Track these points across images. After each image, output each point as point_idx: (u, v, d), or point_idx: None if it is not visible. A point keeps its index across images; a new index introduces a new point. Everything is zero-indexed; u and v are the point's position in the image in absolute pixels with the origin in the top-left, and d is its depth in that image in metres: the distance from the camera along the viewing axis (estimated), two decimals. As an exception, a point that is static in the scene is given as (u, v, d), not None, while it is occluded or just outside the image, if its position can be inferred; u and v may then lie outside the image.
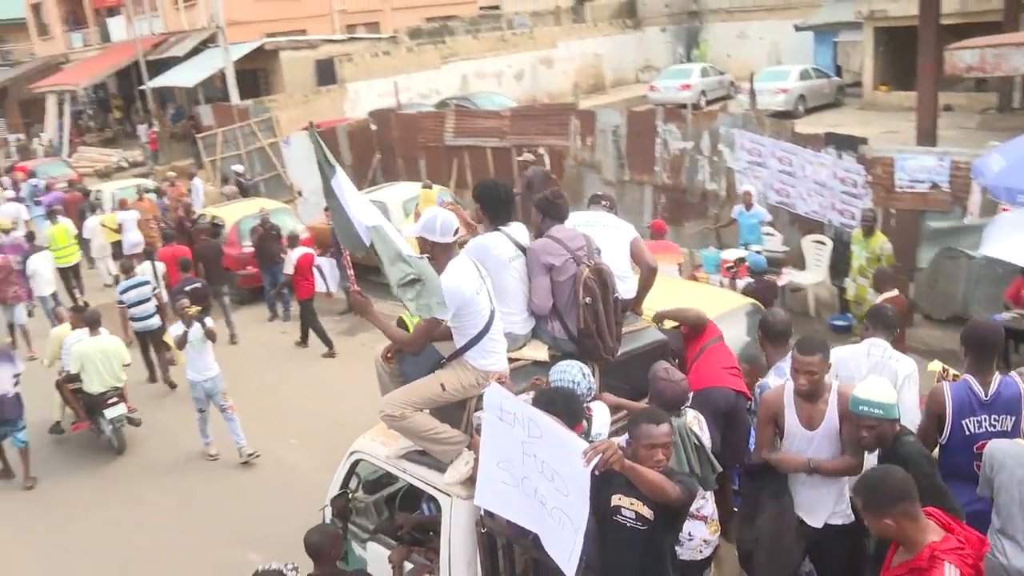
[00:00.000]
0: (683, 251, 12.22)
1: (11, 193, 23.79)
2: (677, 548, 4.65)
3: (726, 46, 35.76)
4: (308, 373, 12.59)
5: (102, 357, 10.37)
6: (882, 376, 5.05)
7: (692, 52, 37.08)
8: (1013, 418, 4.73)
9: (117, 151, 34.73)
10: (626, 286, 5.82)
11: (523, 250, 5.42)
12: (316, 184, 6.51)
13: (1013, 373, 4.91)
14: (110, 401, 10.41)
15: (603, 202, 6.88)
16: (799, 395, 4.91)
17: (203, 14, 31.76)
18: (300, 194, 21.12)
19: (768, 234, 12.87)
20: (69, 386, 10.61)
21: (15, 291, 14.12)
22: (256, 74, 32.44)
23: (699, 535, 4.90)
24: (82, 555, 8.42)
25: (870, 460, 4.79)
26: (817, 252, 12.48)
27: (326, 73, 30.48)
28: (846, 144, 12.66)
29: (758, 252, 11.68)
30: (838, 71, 30.40)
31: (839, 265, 11.94)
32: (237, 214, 16.77)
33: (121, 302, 12.50)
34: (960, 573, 3.57)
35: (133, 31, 33.41)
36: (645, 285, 6.04)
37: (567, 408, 4.39)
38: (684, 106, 19.86)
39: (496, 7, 42.34)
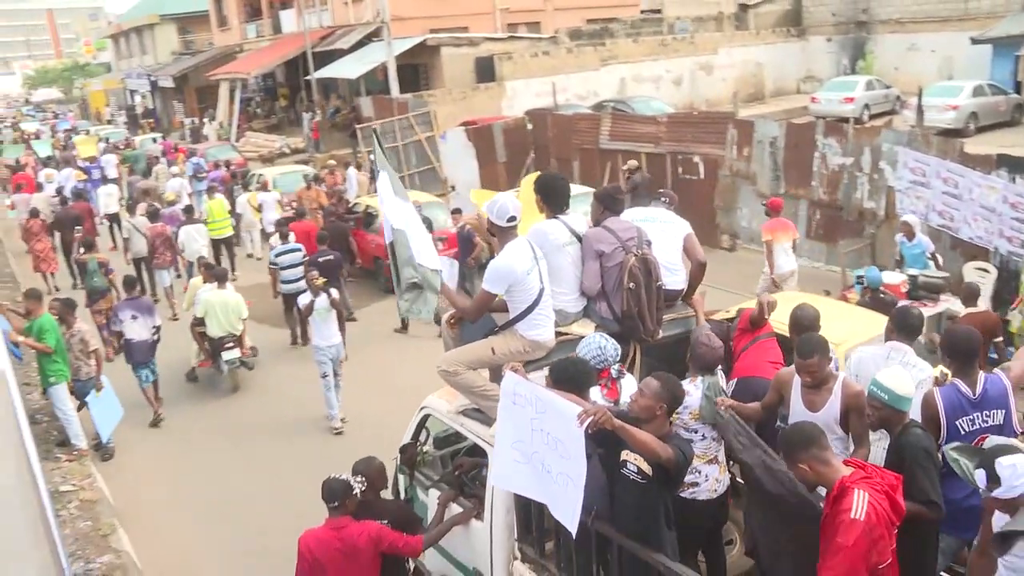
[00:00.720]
0: (838, 269, 11.97)
1: (176, 169, 25.95)
2: (695, 490, 5.25)
3: (894, 58, 34.46)
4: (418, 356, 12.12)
5: (223, 307, 12.15)
6: None
7: (857, 64, 35.86)
8: (1003, 411, 5.02)
9: (281, 138, 36.25)
10: (675, 278, 6.37)
11: (579, 237, 6.01)
12: (470, 179, 6.95)
13: (997, 370, 5.27)
14: (227, 345, 12.22)
15: (663, 199, 7.21)
16: (804, 386, 5.24)
17: (369, 9, 32.74)
18: (453, 188, 21.61)
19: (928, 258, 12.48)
20: (197, 328, 12.36)
21: (169, 257, 16.15)
22: (417, 69, 33.23)
23: (712, 475, 5.34)
24: (197, 479, 9.83)
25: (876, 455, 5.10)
26: (980, 280, 12.01)
27: (485, 70, 30.94)
28: (1020, 167, 12.12)
29: (922, 276, 11.34)
30: (1017, 87, 28.86)
31: (1003, 295, 11.47)
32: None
33: (274, 264, 14.05)
34: (869, 496, 4.02)
35: (303, 23, 34.66)
36: (695, 277, 6.59)
37: (576, 374, 4.91)
38: (846, 120, 19.38)
39: (658, 11, 42.07)
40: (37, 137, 46.05)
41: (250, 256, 19.55)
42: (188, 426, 11.55)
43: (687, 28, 37.47)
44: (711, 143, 17.37)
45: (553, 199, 6.07)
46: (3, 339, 8.02)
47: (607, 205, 6.24)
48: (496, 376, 5.72)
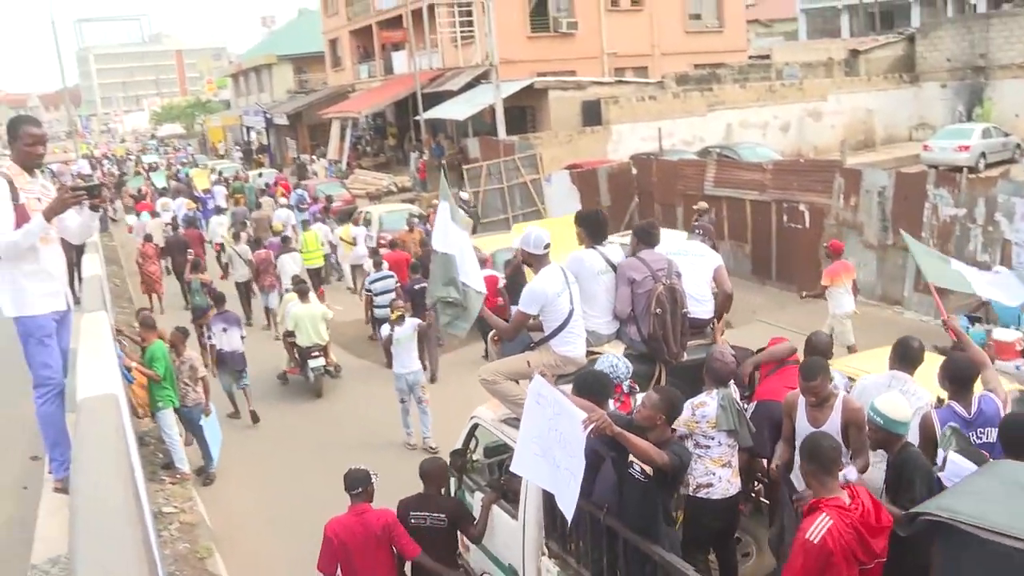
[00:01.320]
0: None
1: (284, 200, 28.13)
2: (708, 490, 5.83)
3: (1015, 105, 33.41)
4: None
5: (310, 319, 13.71)
6: None
7: (974, 111, 34.88)
8: (996, 430, 5.20)
9: (388, 176, 37.13)
10: (703, 307, 6.93)
11: (613, 266, 6.72)
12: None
13: (988, 392, 5.55)
14: (314, 354, 13.76)
15: (698, 231, 7.87)
16: (809, 405, 5.76)
17: (479, 52, 33.38)
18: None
19: None
20: (288, 339, 14.05)
21: (270, 280, 17.57)
22: (524, 111, 33.61)
23: (725, 478, 5.89)
24: (290, 505, 10.22)
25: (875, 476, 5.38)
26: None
27: (592, 114, 31.12)
28: None
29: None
30: None
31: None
32: (494, 245, 17.63)
33: (369, 290, 15.09)
34: (834, 523, 4.28)
35: (414, 65, 35.40)
36: (723, 307, 7.21)
37: (595, 384, 5.59)
38: (960, 169, 18.99)
39: (767, 56, 41.83)
40: (155, 169, 49.98)
41: (349, 289, 20.74)
42: (278, 435, 12.74)
43: (796, 74, 37.12)
44: (817, 191, 17.22)
45: (592, 232, 6.82)
46: (117, 362, 8.46)
47: (642, 238, 6.89)
48: None
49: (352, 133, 43.41)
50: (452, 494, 7.33)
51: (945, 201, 15.07)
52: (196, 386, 11.14)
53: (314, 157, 45.19)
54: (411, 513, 6.51)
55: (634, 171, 22.17)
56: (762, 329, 15.25)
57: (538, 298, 6.38)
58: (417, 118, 34.89)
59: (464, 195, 23.52)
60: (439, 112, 34.49)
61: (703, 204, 18.05)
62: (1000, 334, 10.85)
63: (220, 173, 41.22)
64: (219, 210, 28.61)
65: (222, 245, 21.86)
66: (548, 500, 5.70)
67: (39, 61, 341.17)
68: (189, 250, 19.02)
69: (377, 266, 16.06)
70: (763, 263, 18.30)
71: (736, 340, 10.26)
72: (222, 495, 10.90)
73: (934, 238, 15.16)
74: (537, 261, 6.65)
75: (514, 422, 6.35)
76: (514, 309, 7.44)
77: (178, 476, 10.65)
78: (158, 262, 20.15)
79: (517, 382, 6.52)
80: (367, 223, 21.91)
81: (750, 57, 42.68)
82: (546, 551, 6.04)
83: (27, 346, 5.60)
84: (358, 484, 6.33)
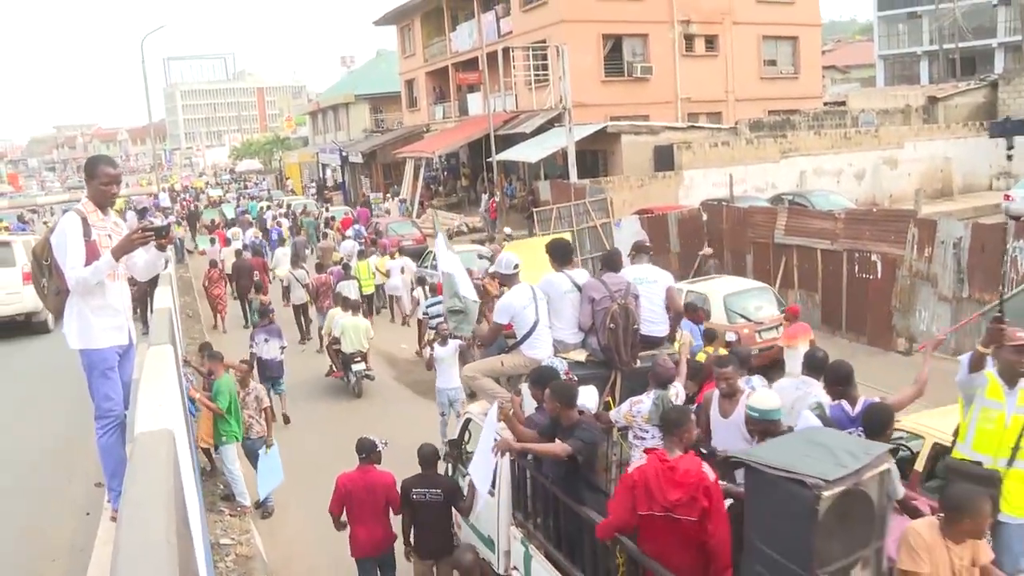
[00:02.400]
0: None
1: (351, 233, 30.40)
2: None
3: (1099, 155, 32.71)
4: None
5: (354, 329, 15.79)
6: (805, 403, 6.77)
7: (1058, 160, 34.23)
8: None
9: (459, 216, 37.50)
10: (657, 326, 8.24)
11: (579, 287, 8.03)
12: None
13: (874, 396, 6.81)
14: (356, 360, 15.85)
15: (648, 252, 9.51)
16: (721, 395, 6.90)
17: (552, 95, 33.58)
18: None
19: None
20: (333, 347, 16.35)
21: (328, 303, 18.68)
22: (596, 154, 33.73)
23: None
24: (323, 469, 10.61)
25: None
26: None
27: (664, 158, 31.06)
28: None
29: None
30: None
31: None
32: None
33: (426, 314, 15.79)
34: (645, 464, 5.48)
35: (488, 107, 35.85)
36: (673, 324, 8.57)
37: (541, 378, 6.83)
38: (1041, 220, 18.51)
39: (842, 103, 41.48)
40: (218, 204, 53.35)
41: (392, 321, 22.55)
42: (323, 437, 13.99)
43: (872, 121, 36.68)
44: (890, 241, 16.88)
45: (559, 258, 8.21)
46: (182, 394, 8.63)
47: (606, 264, 8.52)
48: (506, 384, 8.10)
49: (426, 173, 43.99)
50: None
51: (1025, 254, 14.68)
52: (260, 417, 11.33)
53: (388, 195, 45.87)
54: (413, 490, 7.87)
55: (704, 217, 22.00)
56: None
57: (507, 310, 7.98)
58: (490, 159, 35.19)
59: (508, 229, 25.30)
60: (511, 154, 34.78)
61: (708, 249, 19.82)
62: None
63: (290, 207, 44.05)
64: (283, 241, 30.54)
65: (283, 277, 23.10)
66: (516, 480, 7.11)
67: (130, 97, 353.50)
68: (255, 272, 21.84)
69: (433, 291, 17.28)
70: (833, 313, 17.98)
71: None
72: (280, 528, 10.99)
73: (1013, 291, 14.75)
74: (508, 280, 8.36)
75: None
76: None
77: (238, 509, 10.79)
78: (223, 285, 22.31)
79: (499, 381, 8.06)
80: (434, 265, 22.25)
81: (825, 104, 42.38)
82: (513, 521, 7.26)
83: (90, 378, 5.80)
84: (364, 450, 8.08)
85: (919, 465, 8.55)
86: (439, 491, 7.83)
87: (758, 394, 6.24)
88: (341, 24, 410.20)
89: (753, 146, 31.34)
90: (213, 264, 22.96)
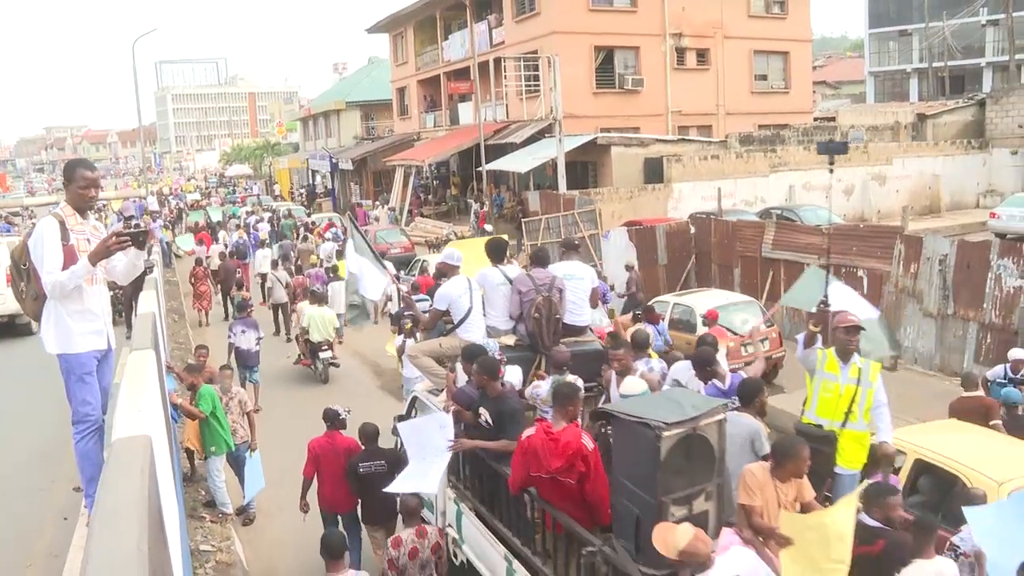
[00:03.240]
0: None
1: (329, 235, 31.08)
2: None
3: (1087, 174, 32.88)
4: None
5: (321, 320, 17.13)
6: (693, 383, 7.85)
7: (1046, 179, 34.38)
8: None
9: (449, 225, 37.46)
10: (580, 317, 9.29)
11: (510, 280, 9.04)
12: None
13: (740, 372, 8.12)
14: (323, 348, 17.21)
15: (577, 250, 10.76)
16: (616, 374, 7.91)
17: (543, 105, 33.61)
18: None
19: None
20: (303, 336, 17.56)
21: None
22: (586, 166, 33.77)
23: None
24: (289, 447, 11.77)
25: None
26: None
27: (654, 171, 31.07)
28: None
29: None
30: None
31: None
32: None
33: (398, 311, 16.24)
34: (533, 434, 6.36)
35: (479, 116, 35.81)
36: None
37: (472, 355, 7.69)
38: (1027, 239, 18.62)
39: (832, 119, 41.68)
40: (200, 207, 55.44)
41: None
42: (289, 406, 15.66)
43: (861, 137, 36.83)
44: (877, 257, 16.98)
45: (495, 255, 9.34)
46: (165, 400, 8.58)
47: (534, 261, 9.58)
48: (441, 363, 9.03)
49: (415, 181, 43.98)
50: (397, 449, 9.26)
51: (1009, 272, 14.75)
52: (243, 422, 11.27)
53: (377, 203, 45.85)
54: (360, 464, 8.83)
55: (692, 230, 22.05)
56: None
57: (445, 298, 9.06)
58: (480, 169, 35.22)
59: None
60: (501, 164, 34.79)
61: (630, 261, 21.04)
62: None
63: (274, 211, 44.54)
64: (263, 244, 32.23)
65: (264, 276, 24.51)
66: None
67: (121, 99, 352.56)
68: (238, 271, 23.44)
69: (415, 289, 17.97)
70: (820, 329, 18.00)
71: (786, 404, 10.21)
72: (261, 535, 10.93)
73: (996, 309, 14.83)
74: (451, 271, 9.53)
75: (436, 392, 8.96)
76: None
77: (219, 515, 10.73)
78: (207, 283, 23.52)
79: (442, 363, 8.96)
80: (423, 271, 22.16)
81: (816, 119, 42.54)
82: (449, 483, 8.13)
83: (68, 382, 5.77)
84: (329, 418, 9.37)
85: (901, 480, 8.56)
86: (383, 462, 8.78)
87: (626, 381, 7.29)
88: (334, 31, 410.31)
89: (743, 160, 31.41)
90: (199, 263, 24.60)
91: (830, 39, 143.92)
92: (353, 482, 8.87)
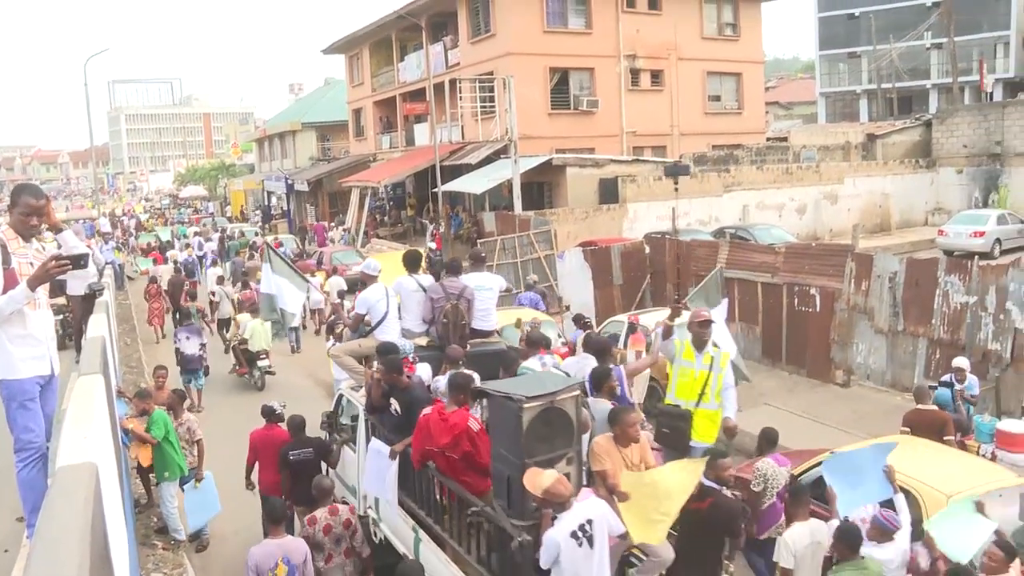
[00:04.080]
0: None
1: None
2: None
3: (1030, 192, 33.63)
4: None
5: (261, 331, 18.23)
6: (584, 371, 8.37)
7: (990, 197, 35.02)
8: (621, 387, 8.38)
9: (405, 246, 37.32)
10: (487, 322, 10.41)
11: (424, 288, 10.05)
12: (585, 299, 11.73)
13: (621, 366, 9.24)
14: (260, 357, 18.56)
15: (482, 261, 11.57)
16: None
17: (499, 127, 33.63)
18: (568, 308, 21.78)
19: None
20: (241, 346, 18.89)
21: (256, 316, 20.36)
22: (541, 186, 33.86)
23: None
24: (228, 448, 12.11)
25: None
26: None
27: (609, 191, 31.28)
28: None
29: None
30: None
31: None
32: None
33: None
34: (429, 415, 7.42)
35: (434, 137, 35.78)
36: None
37: (386, 351, 8.72)
38: (975, 254, 18.94)
39: (784, 139, 42.23)
40: (147, 229, 56.88)
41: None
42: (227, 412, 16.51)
43: (813, 157, 37.42)
44: (829, 275, 17.17)
45: (410, 265, 10.36)
46: (115, 425, 8.43)
47: (448, 270, 10.47)
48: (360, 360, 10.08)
49: (371, 202, 43.84)
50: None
51: (956, 288, 15.00)
52: (193, 449, 11.13)
53: (333, 224, 45.62)
54: (290, 452, 9.75)
55: (647, 250, 22.17)
56: (770, 413, 15.14)
57: (365, 303, 10.25)
58: (436, 190, 35.16)
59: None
60: (457, 185, 34.79)
61: (533, 277, 22.14)
62: (1007, 425, 10.64)
63: (223, 231, 45.59)
64: (214, 263, 33.48)
65: (214, 292, 25.03)
66: (369, 440, 8.89)
67: (72, 119, 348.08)
68: (187, 284, 24.22)
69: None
70: (773, 346, 18.20)
71: (743, 424, 10.29)
72: (215, 561, 10.77)
73: (944, 325, 15.07)
74: (369, 280, 10.59)
75: (355, 392, 9.95)
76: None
77: (172, 542, 10.57)
78: (160, 299, 24.32)
79: (362, 362, 9.93)
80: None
81: (768, 139, 43.08)
82: None
83: (9, 410, 5.63)
84: (267, 414, 10.54)
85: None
86: (310, 450, 9.83)
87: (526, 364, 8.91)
88: (290, 52, 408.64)
89: (697, 180, 31.70)
90: (153, 280, 25.47)
91: (782, 60, 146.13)
92: (283, 467, 9.73)
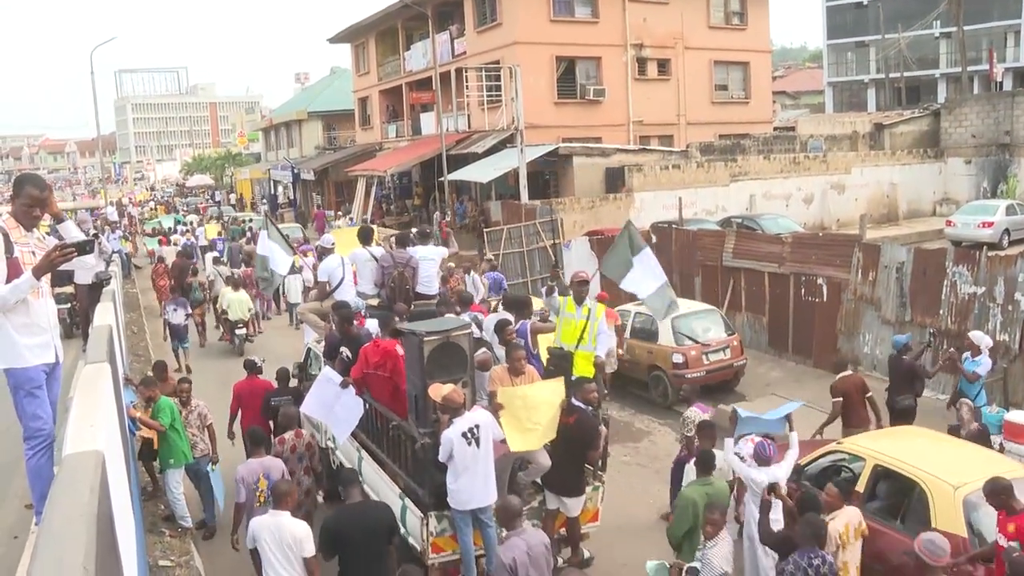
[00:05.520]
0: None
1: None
2: None
3: (1040, 182, 33.48)
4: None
5: (238, 302, 21.08)
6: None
7: (999, 187, 34.85)
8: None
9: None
10: (430, 288, 12.31)
11: (376, 257, 11.98)
12: (591, 288, 11.03)
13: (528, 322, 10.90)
14: (239, 326, 21.11)
15: (428, 236, 13.75)
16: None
17: (505, 116, 33.55)
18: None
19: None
20: (223, 316, 21.54)
21: (255, 292, 22.93)
22: (547, 176, 33.84)
23: None
24: (212, 398, 13.09)
25: None
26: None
27: (615, 180, 31.22)
28: None
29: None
30: None
31: None
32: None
33: None
34: (362, 351, 9.61)
35: (440, 127, 35.64)
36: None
37: (341, 308, 10.53)
38: (982, 245, 18.84)
39: (791, 128, 42.10)
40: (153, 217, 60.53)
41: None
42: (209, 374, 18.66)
43: (820, 147, 37.25)
44: (836, 266, 17.13)
45: (363, 239, 12.53)
46: (122, 413, 8.44)
47: (399, 242, 12.40)
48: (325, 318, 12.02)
49: (377, 191, 43.79)
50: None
51: (964, 279, 14.94)
52: (204, 435, 11.14)
53: (339, 213, 45.61)
54: (272, 398, 11.51)
55: (653, 239, 22.06)
56: (777, 402, 15.12)
57: (326, 271, 12.46)
58: (442, 179, 35.12)
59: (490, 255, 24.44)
60: (463, 174, 34.71)
61: (489, 256, 23.05)
62: (1015, 416, 10.61)
63: (223, 218, 48.94)
64: (211, 247, 35.04)
65: (209, 272, 26.76)
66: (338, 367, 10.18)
67: (80, 108, 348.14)
68: (191, 263, 25.64)
69: None
70: (780, 336, 18.17)
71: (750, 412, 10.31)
72: (222, 549, 10.76)
73: (952, 315, 15.02)
74: (326, 252, 13.00)
75: (319, 340, 11.86)
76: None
77: (179, 530, 10.58)
78: (166, 278, 25.27)
79: (324, 319, 11.90)
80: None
81: (775, 128, 42.95)
82: None
83: (16, 398, 5.64)
84: (249, 367, 12.27)
85: (860, 486, 8.65)
86: (289, 397, 11.42)
87: None
88: (296, 41, 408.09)
89: (703, 169, 31.61)
90: (160, 260, 27.81)
91: (790, 49, 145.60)
92: (265, 411, 11.42)
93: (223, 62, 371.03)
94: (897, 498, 8.48)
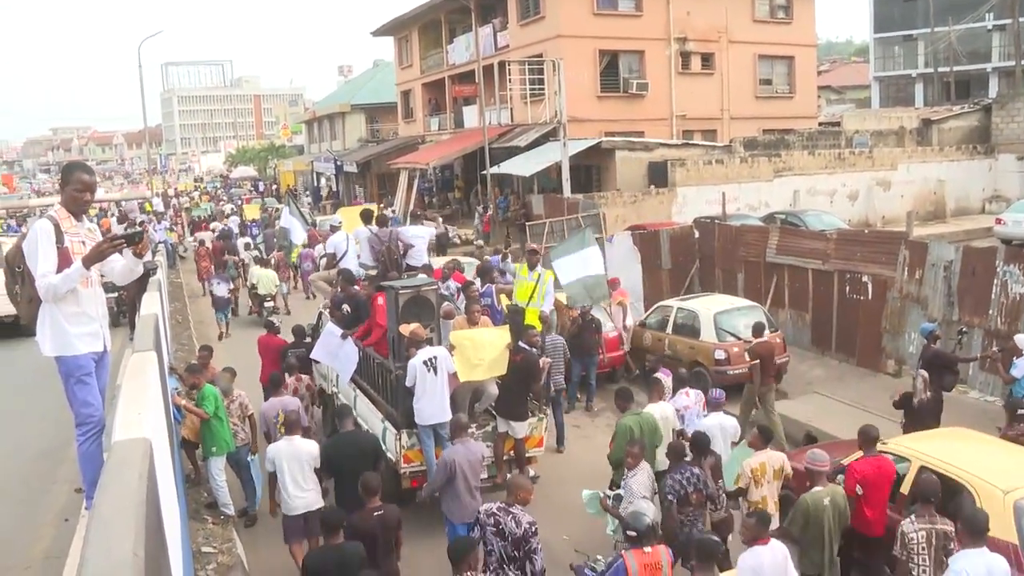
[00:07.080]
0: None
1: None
2: None
3: (1093, 180, 32.78)
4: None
5: (266, 277, 23.69)
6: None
7: (1052, 185, 34.25)
8: None
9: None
10: (417, 261, 13.52)
11: (376, 235, 13.29)
12: (633, 284, 13.00)
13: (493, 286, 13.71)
14: (267, 300, 23.42)
15: (424, 220, 23.75)
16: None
17: (548, 109, 33.48)
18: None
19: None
20: (253, 291, 24.05)
21: (287, 273, 26.40)
22: (590, 170, 33.75)
23: None
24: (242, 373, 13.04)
25: None
26: None
27: (658, 175, 31.06)
28: None
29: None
30: None
31: None
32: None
33: None
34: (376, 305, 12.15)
35: (483, 120, 35.62)
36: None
37: (345, 273, 13.27)
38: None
39: (837, 124, 41.57)
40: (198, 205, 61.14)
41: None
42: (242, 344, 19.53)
43: (866, 142, 36.77)
44: (881, 263, 16.86)
45: (364, 219, 13.93)
46: (167, 401, 8.53)
47: (380, 223, 13.63)
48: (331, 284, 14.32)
49: (420, 184, 43.94)
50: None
51: (1015, 278, 14.64)
52: (244, 425, 11.27)
53: (382, 206, 45.80)
54: (291, 350, 13.49)
55: (696, 235, 21.93)
56: (819, 401, 14.97)
57: (332, 244, 15.79)
58: (484, 172, 35.17)
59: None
60: (506, 167, 34.73)
61: (478, 244, 26.47)
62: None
63: (267, 208, 49.06)
64: (245, 231, 37.35)
65: (243, 257, 29.34)
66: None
67: (127, 101, 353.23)
68: (229, 244, 29.20)
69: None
70: (823, 334, 17.96)
71: (790, 411, 10.21)
72: (263, 536, 10.87)
73: (1001, 316, 14.75)
74: (335, 229, 16.80)
75: (326, 305, 13.92)
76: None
77: (221, 517, 10.70)
78: (208, 259, 28.10)
79: (331, 284, 14.30)
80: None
81: (820, 124, 42.46)
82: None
83: (67, 385, 5.72)
84: (268, 327, 14.79)
85: (905, 487, 8.53)
86: (303, 349, 13.48)
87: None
88: (339, 34, 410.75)
89: (747, 164, 31.37)
90: (202, 243, 30.68)
91: (835, 44, 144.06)
92: (282, 360, 13.18)
93: (267, 55, 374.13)
94: (943, 501, 8.32)
